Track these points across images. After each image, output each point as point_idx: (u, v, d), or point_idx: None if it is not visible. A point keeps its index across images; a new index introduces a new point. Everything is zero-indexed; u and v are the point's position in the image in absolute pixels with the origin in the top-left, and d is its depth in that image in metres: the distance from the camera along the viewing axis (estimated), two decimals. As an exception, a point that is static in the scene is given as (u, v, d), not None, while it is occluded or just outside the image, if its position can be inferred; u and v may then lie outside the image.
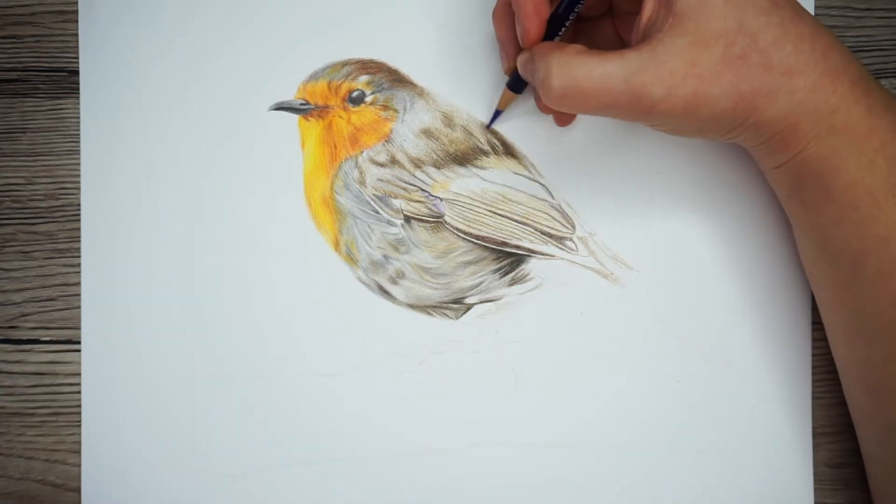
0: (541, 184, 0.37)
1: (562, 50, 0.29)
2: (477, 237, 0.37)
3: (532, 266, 0.37)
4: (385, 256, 0.37)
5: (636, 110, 0.28)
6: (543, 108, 0.35)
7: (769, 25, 0.27)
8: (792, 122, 0.28)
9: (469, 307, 0.37)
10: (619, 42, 0.34)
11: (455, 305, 0.37)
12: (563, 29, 0.31)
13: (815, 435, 0.37)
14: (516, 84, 0.34)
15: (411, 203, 0.37)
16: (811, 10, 0.37)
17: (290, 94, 0.37)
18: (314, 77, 0.37)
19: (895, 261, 0.29)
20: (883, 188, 0.28)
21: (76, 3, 0.37)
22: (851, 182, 0.29)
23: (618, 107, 0.28)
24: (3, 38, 0.38)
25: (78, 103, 0.37)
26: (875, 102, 0.29)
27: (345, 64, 0.37)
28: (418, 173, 0.37)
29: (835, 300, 0.32)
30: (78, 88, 0.37)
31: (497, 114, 0.36)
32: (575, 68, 0.28)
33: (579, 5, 0.31)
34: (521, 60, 0.31)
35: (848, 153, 0.28)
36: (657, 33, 0.28)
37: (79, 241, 0.37)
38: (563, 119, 0.35)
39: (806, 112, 0.28)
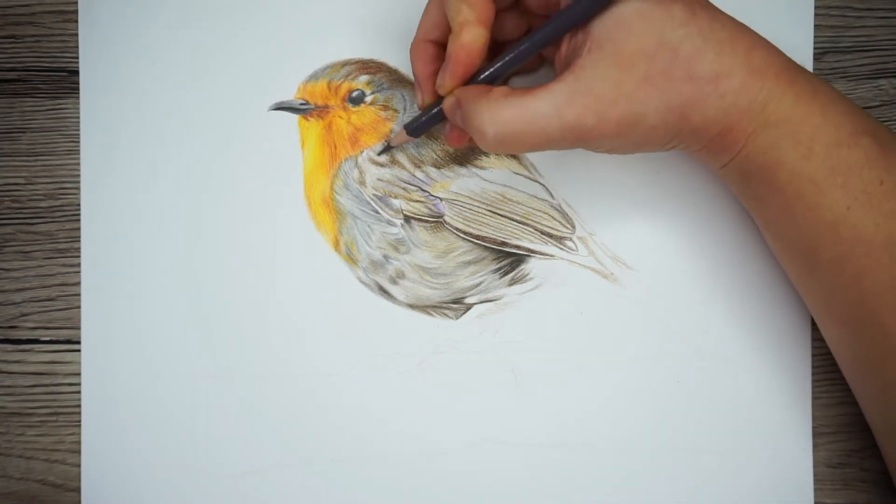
0: (541, 184, 0.37)
1: (488, 96, 0.29)
2: (477, 237, 0.37)
3: (532, 266, 0.37)
4: (385, 256, 0.37)
5: (572, 141, 0.29)
6: (452, 141, 0.34)
7: (688, 36, 0.27)
8: (726, 125, 0.29)
9: (469, 307, 0.37)
10: (540, 59, 0.34)
11: (455, 305, 0.37)
12: (492, 78, 0.31)
13: (815, 435, 0.37)
14: (418, 129, 0.34)
15: (411, 203, 0.37)
16: (811, 11, 0.37)
17: (290, 94, 0.37)
18: (314, 77, 0.37)
19: (847, 243, 0.29)
20: (823, 173, 0.29)
21: (76, 3, 0.37)
22: (793, 172, 0.29)
23: (553, 141, 0.28)
24: (3, 38, 0.38)
25: (78, 103, 0.37)
26: (801, 90, 0.29)
27: (345, 64, 0.37)
28: (418, 173, 0.37)
29: (801, 286, 0.33)
30: (78, 88, 0.37)
31: (388, 148, 0.36)
32: (506, 113, 0.28)
33: (517, 64, 0.30)
34: (448, 105, 0.31)
35: (785, 145, 0.29)
36: (578, 59, 0.28)
37: (79, 241, 0.37)
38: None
39: (738, 112, 0.28)
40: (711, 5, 0.29)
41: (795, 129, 0.29)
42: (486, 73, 0.30)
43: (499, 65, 0.30)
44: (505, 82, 0.34)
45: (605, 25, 0.28)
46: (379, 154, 0.37)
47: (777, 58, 0.29)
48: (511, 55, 0.30)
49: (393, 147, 0.36)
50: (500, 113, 0.28)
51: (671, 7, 0.27)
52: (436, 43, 0.32)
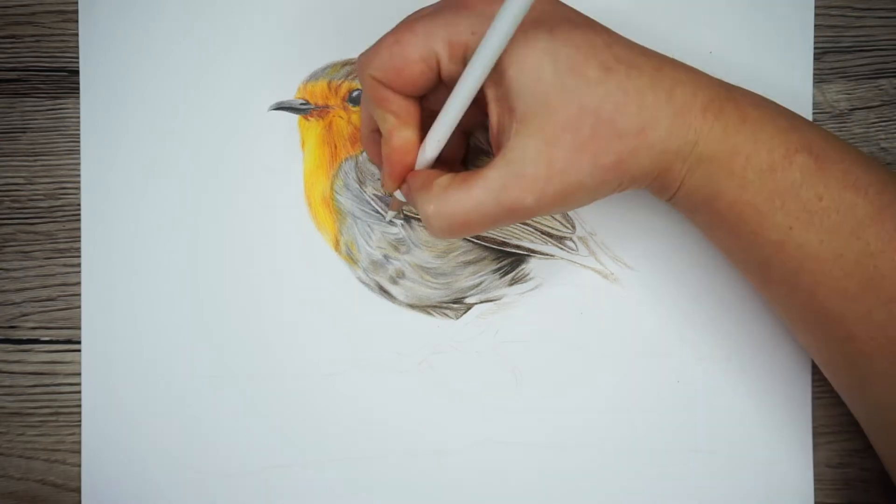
0: (541, 184, 0.37)
1: (430, 189, 0.29)
2: (477, 237, 0.37)
3: (532, 266, 0.37)
4: (385, 256, 0.37)
5: (517, 219, 0.29)
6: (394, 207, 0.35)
7: (607, 95, 0.27)
8: (662, 169, 0.29)
9: (469, 307, 0.37)
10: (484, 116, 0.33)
11: (455, 305, 0.37)
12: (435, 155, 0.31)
13: (815, 435, 0.37)
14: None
15: (411, 203, 0.37)
16: (811, 11, 0.37)
17: (290, 94, 0.37)
18: (314, 77, 0.37)
19: (796, 260, 0.29)
20: (762, 199, 0.29)
21: (76, 3, 0.37)
22: (733, 202, 0.29)
23: (499, 222, 0.29)
24: (3, 38, 0.38)
25: (78, 103, 0.37)
26: (729, 121, 0.29)
27: (345, 64, 0.37)
28: (418, 173, 0.37)
29: (764, 296, 0.33)
30: (78, 88, 0.37)
31: (395, 211, 0.36)
32: (447, 206, 0.28)
33: (447, 133, 0.30)
34: (403, 190, 0.32)
35: (720, 178, 0.29)
36: (507, 141, 0.28)
37: (79, 241, 0.37)
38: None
39: (670, 156, 0.28)
40: (627, 49, 0.29)
41: (727, 161, 0.29)
42: (427, 153, 0.31)
43: (431, 144, 0.30)
44: (463, 146, 0.35)
45: (526, 104, 0.27)
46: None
47: (702, 89, 0.29)
48: (435, 130, 0.30)
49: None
50: (443, 206, 0.29)
51: (585, 70, 0.27)
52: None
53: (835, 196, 0.28)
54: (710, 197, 0.30)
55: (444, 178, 0.29)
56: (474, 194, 0.28)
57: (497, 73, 0.28)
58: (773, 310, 0.33)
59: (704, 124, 0.28)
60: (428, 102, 0.31)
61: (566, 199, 0.28)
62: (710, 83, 0.29)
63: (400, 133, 0.30)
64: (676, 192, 0.30)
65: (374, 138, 0.33)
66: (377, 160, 0.34)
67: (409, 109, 0.30)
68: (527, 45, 0.27)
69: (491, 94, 0.29)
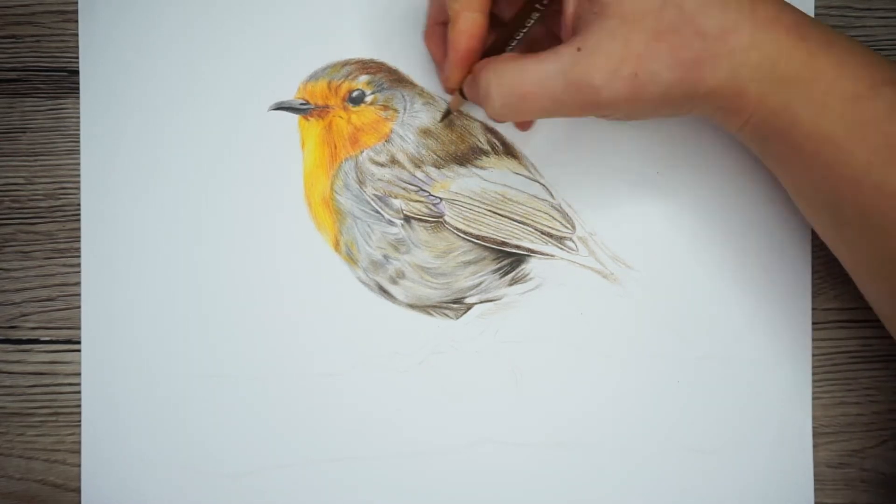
0: (541, 184, 0.37)
1: (496, 62, 0.29)
2: (477, 237, 0.37)
3: (532, 266, 0.37)
4: (385, 256, 0.37)
5: (582, 104, 0.28)
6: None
7: None
8: (738, 87, 0.28)
9: (469, 307, 0.37)
10: (555, 39, 0.33)
11: (455, 305, 0.37)
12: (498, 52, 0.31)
13: (815, 435, 0.37)
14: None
15: (411, 203, 0.37)
16: (811, 11, 0.37)
17: (290, 94, 0.37)
18: (314, 77, 0.37)
19: (871, 199, 0.28)
20: (841, 129, 0.28)
21: (76, 3, 0.37)
22: (810, 131, 0.28)
23: (563, 104, 0.28)
24: (3, 38, 0.38)
25: (78, 103, 0.37)
26: (814, 44, 0.28)
27: (345, 64, 0.37)
28: (418, 173, 0.37)
29: (830, 243, 0.32)
30: (78, 88, 0.37)
31: (448, 113, 0.36)
32: (511, 76, 0.28)
33: (520, 34, 0.30)
34: (466, 85, 0.31)
35: (799, 103, 0.28)
36: (585, 24, 0.28)
37: (79, 241, 0.37)
38: (523, 124, 0.34)
39: (749, 71, 0.28)
40: None
41: (808, 86, 0.28)
42: (491, 47, 0.30)
43: (503, 36, 0.30)
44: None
45: None
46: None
47: (787, 13, 0.28)
48: (512, 24, 0.30)
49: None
50: (505, 76, 0.28)
51: None
52: (446, 25, 0.32)
53: None
54: (786, 125, 0.28)
55: (511, 54, 0.29)
56: (543, 66, 0.27)
57: None
58: (839, 257, 0.32)
59: (788, 43, 0.28)
60: (496, 7, 0.30)
61: (638, 91, 0.27)
62: (795, 10, 0.29)
63: (468, 16, 0.29)
64: (750, 117, 0.29)
65: (436, 31, 0.32)
66: (436, 54, 0.33)
67: None
68: None
69: None
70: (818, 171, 0.29)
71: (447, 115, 0.36)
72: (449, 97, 0.36)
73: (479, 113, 0.37)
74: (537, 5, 0.29)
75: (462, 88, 0.32)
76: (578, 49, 0.27)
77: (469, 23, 0.29)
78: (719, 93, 0.28)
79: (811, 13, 0.37)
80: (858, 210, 0.28)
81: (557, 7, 0.30)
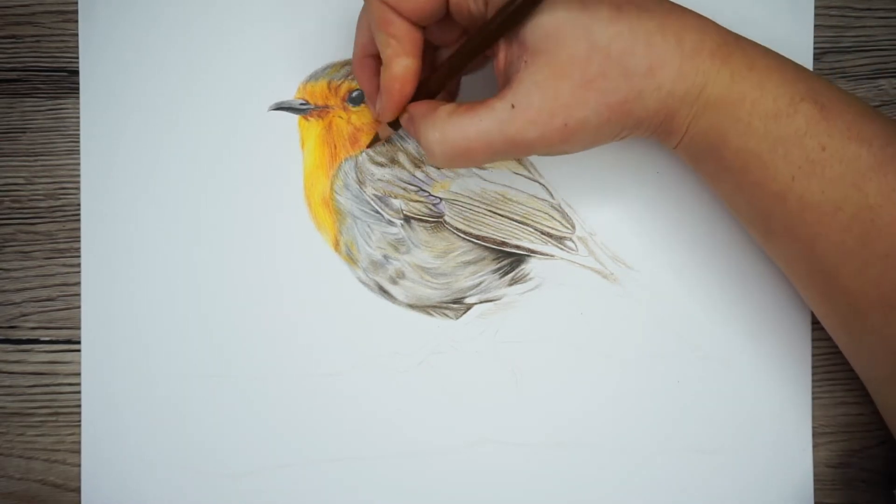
0: (541, 184, 0.37)
1: (434, 115, 0.29)
2: (477, 237, 0.37)
3: (532, 266, 0.37)
4: (385, 256, 0.37)
5: (519, 153, 0.29)
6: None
7: (618, 35, 0.28)
8: (668, 112, 0.29)
9: (469, 307, 0.37)
10: (485, 59, 0.33)
11: (455, 305, 0.37)
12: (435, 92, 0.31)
13: (815, 435, 0.37)
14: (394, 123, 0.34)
15: (411, 203, 0.37)
16: (811, 11, 0.37)
17: (290, 94, 0.37)
18: (314, 77, 0.37)
19: (796, 212, 0.29)
20: (765, 147, 0.29)
21: (76, 3, 0.37)
22: (737, 149, 0.29)
23: (502, 154, 0.29)
24: (3, 38, 0.38)
25: (78, 103, 0.37)
26: (736, 66, 0.29)
27: (345, 64, 0.37)
28: (418, 173, 0.37)
29: (766, 251, 0.33)
30: (78, 88, 0.37)
31: (377, 139, 0.36)
32: (452, 133, 0.28)
33: (454, 75, 0.31)
34: (403, 120, 0.32)
35: (726, 124, 0.29)
36: (516, 74, 0.28)
37: (79, 241, 0.37)
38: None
39: (677, 99, 0.29)
40: None
41: (733, 107, 0.29)
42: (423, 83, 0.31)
43: (438, 76, 0.31)
44: (457, 84, 0.35)
45: (536, 37, 0.28)
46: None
47: (710, 35, 0.29)
48: (445, 69, 0.31)
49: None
50: (447, 133, 0.29)
51: (598, 9, 0.28)
52: (376, 57, 0.32)
53: (838, 146, 0.28)
54: (716, 144, 0.30)
55: (449, 106, 0.29)
56: (480, 123, 0.28)
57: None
58: (775, 263, 0.34)
59: (712, 68, 0.29)
60: (430, 34, 0.31)
61: (569, 137, 0.28)
62: (718, 30, 0.30)
63: (401, 61, 0.30)
64: (682, 138, 0.30)
65: (366, 64, 0.33)
66: (367, 87, 0.33)
67: (413, 37, 0.30)
68: None
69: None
70: (747, 187, 0.30)
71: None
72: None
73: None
74: (473, 54, 0.30)
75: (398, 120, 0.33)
76: (513, 106, 0.28)
77: (402, 69, 0.30)
78: (650, 120, 0.29)
79: (811, 13, 0.37)
80: (785, 223, 0.30)
81: (490, 53, 0.30)
